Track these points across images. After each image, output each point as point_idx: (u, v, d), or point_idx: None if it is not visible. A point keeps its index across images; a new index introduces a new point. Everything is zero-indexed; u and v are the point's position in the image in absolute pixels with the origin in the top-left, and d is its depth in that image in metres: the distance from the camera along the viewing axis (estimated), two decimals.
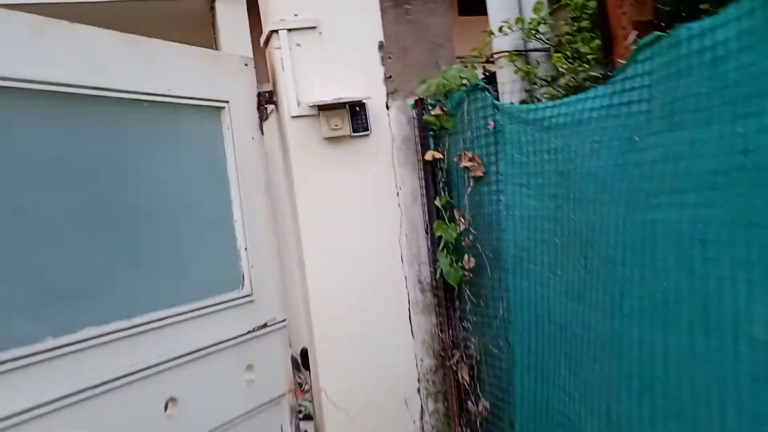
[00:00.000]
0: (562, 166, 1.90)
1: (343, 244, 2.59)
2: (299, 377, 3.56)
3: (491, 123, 2.27)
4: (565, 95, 2.27)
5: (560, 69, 2.54)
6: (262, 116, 2.51)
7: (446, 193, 2.57)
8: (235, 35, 3.76)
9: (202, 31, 4.11)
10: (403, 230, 2.67)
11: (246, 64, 2.45)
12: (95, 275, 1.82)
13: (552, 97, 2.41)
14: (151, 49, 2.06)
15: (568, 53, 2.51)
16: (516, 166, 2.18)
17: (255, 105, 2.47)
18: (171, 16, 4.12)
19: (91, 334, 1.76)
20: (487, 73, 3.18)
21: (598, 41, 2.23)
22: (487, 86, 2.35)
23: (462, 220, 2.48)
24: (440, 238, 2.51)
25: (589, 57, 2.38)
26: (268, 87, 2.62)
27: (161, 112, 2.09)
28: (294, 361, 3.25)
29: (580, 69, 2.40)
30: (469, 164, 2.41)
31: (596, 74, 2.18)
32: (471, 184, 2.43)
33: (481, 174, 2.38)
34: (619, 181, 1.61)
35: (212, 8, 3.97)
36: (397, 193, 2.67)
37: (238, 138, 2.36)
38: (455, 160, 2.49)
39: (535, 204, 2.09)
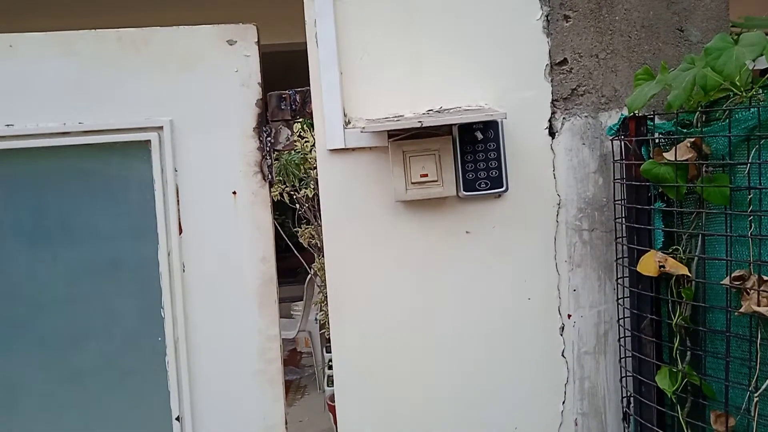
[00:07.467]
0: None
1: None
2: None
3: None
4: None
5: None
6: (269, 146, 1.17)
7: (685, 358, 1.00)
8: None
9: None
10: (573, 410, 1.17)
11: (231, 41, 1.12)
12: None
13: None
14: None
15: None
16: None
17: (248, 124, 1.14)
18: None
19: None
20: None
21: None
22: None
23: None
24: None
25: None
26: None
27: None
28: None
29: None
30: None
31: None
32: None
33: None
34: None
35: None
36: (561, 329, 1.17)
37: (189, 200, 1.06)
38: (726, 283, 0.91)
39: None
